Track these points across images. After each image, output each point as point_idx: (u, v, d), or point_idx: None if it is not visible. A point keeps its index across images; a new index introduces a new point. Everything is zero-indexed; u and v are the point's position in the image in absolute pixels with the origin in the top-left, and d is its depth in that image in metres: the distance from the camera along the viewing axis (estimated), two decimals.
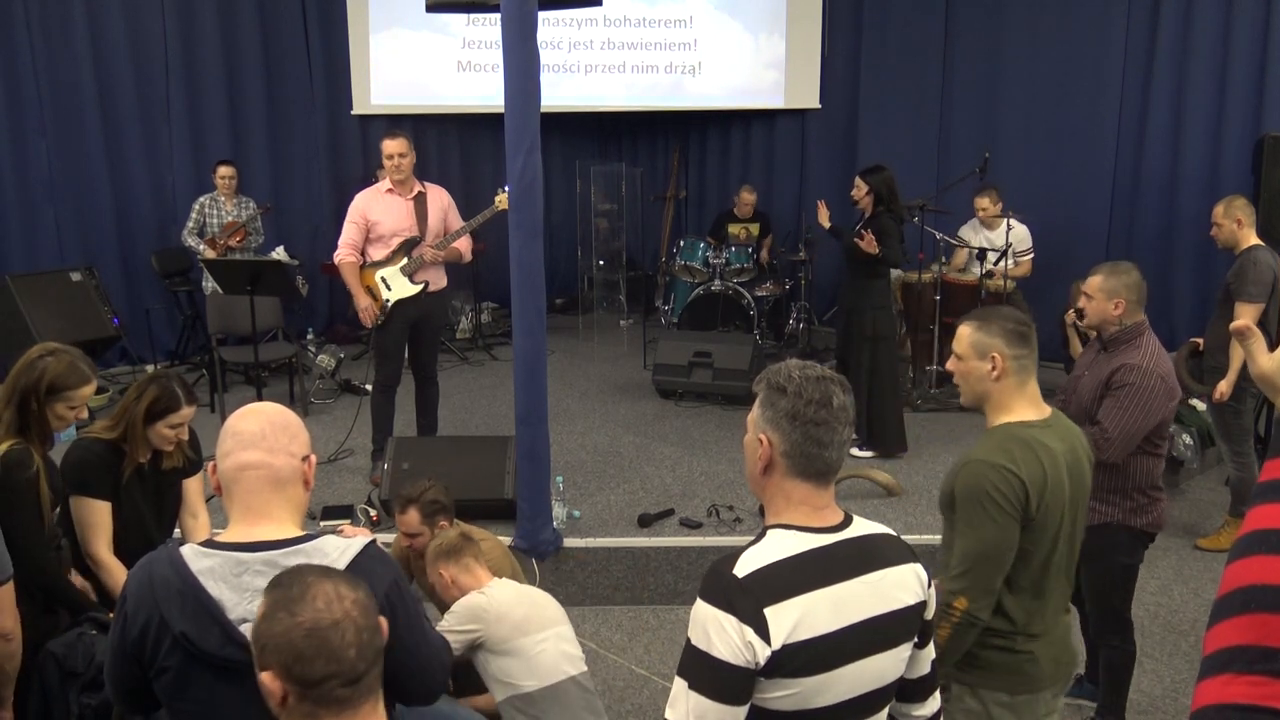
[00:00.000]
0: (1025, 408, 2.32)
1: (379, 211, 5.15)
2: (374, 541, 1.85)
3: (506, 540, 4.39)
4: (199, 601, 1.69)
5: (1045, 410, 2.35)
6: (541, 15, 4.11)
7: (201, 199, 7.13)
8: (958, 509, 2.27)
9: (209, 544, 1.77)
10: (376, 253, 5.17)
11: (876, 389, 5.55)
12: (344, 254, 5.15)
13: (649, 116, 9.57)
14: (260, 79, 8.15)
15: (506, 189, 5.28)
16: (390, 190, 5.18)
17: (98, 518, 2.98)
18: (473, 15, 8.25)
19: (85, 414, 2.91)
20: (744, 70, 8.92)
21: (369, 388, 6.96)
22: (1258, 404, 4.91)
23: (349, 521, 4.77)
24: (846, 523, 1.71)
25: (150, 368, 6.97)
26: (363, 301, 5.11)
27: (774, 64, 8.87)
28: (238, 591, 1.70)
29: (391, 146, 5.11)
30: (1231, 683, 0.96)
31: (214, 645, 1.69)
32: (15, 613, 2.45)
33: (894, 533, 1.78)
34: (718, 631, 1.54)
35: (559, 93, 8.17)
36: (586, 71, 8.86)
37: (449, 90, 8.72)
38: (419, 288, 5.17)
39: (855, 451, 5.69)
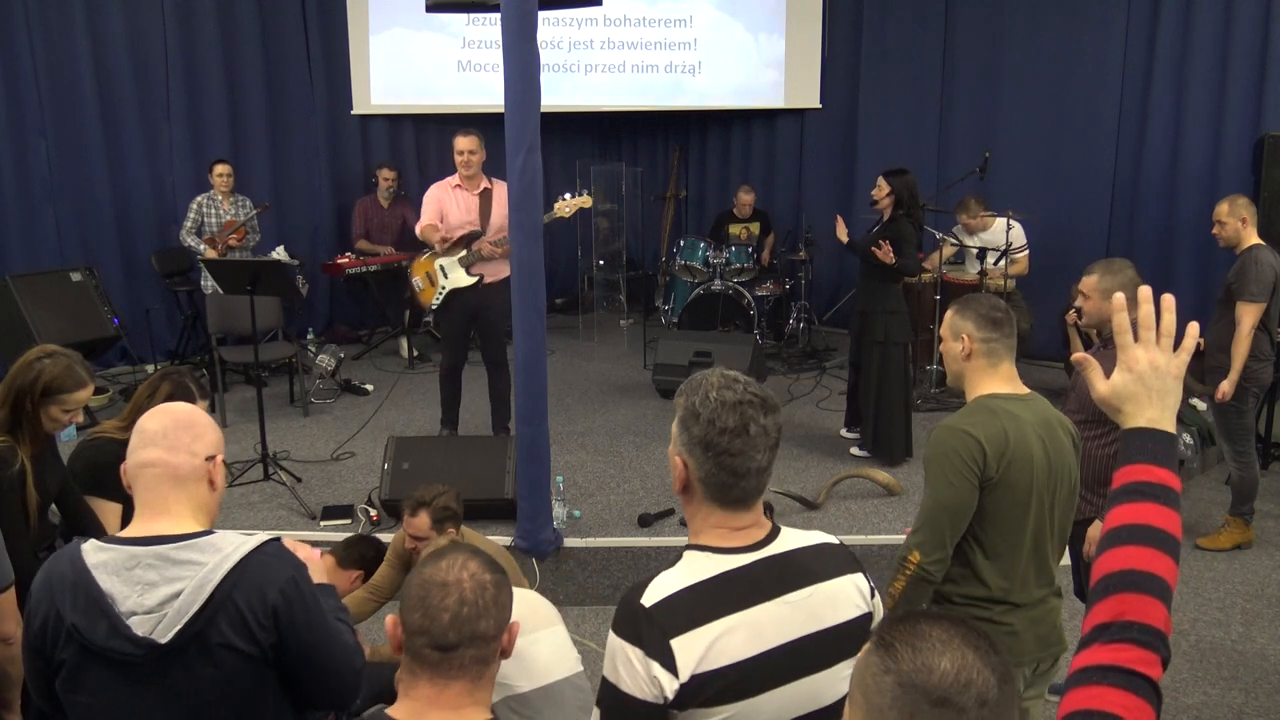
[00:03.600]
0: (998, 383, 2.43)
1: (447, 204, 5.50)
2: (278, 540, 1.85)
3: (506, 540, 4.40)
4: (89, 594, 1.71)
5: (1022, 389, 2.45)
6: (541, 15, 4.11)
7: (199, 198, 7.13)
8: (925, 470, 2.41)
9: (109, 539, 1.79)
10: (442, 242, 5.47)
11: (885, 393, 5.53)
12: (424, 223, 5.52)
13: (649, 116, 9.57)
14: (260, 79, 8.15)
15: (567, 196, 5.60)
16: (458, 185, 5.46)
17: (106, 519, 2.98)
18: (473, 15, 8.25)
19: (80, 418, 2.90)
20: (744, 70, 8.92)
21: (369, 388, 7.00)
22: (1259, 403, 4.91)
23: (349, 521, 4.77)
24: (771, 538, 1.64)
25: (150, 368, 6.97)
26: (435, 236, 5.42)
27: (774, 64, 8.87)
28: (129, 585, 1.71)
29: (464, 143, 5.34)
30: (1097, 651, 1.18)
31: (101, 637, 1.70)
32: (18, 617, 2.45)
33: (833, 541, 1.71)
34: (625, 665, 1.52)
35: (559, 93, 8.17)
36: (586, 71, 8.86)
37: (449, 90, 8.72)
38: (474, 280, 5.44)
39: (855, 451, 5.69)
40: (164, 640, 1.68)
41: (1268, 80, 6.75)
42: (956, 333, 2.44)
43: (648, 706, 1.51)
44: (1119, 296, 1.33)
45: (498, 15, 4.12)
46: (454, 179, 5.47)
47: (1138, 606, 1.18)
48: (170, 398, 2.99)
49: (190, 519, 1.81)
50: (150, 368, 6.99)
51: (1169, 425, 1.31)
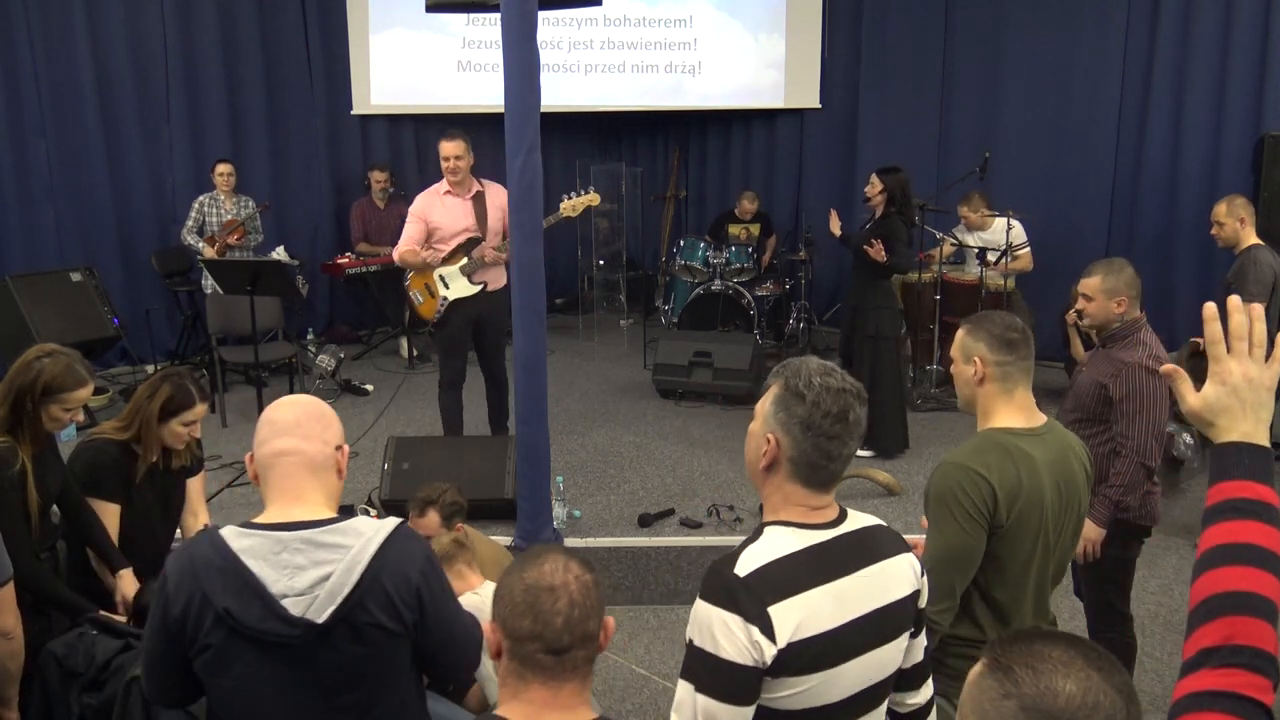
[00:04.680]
0: (1012, 414, 2.27)
1: (439, 214, 5.16)
2: (405, 521, 1.92)
3: (506, 540, 4.40)
4: (241, 578, 1.75)
5: (1037, 419, 2.29)
6: (541, 15, 4.11)
7: (201, 198, 7.14)
8: (928, 510, 2.25)
9: (247, 525, 1.82)
10: (438, 252, 5.20)
11: (878, 388, 5.55)
12: (402, 248, 5.18)
13: (649, 116, 9.57)
14: (260, 79, 8.15)
15: (571, 195, 5.31)
16: (449, 192, 5.18)
17: (105, 520, 2.98)
18: (473, 15, 8.25)
19: (80, 416, 2.90)
20: (744, 70, 8.92)
21: (369, 388, 7.00)
22: None
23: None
24: (842, 517, 1.72)
25: (150, 368, 6.97)
26: (416, 257, 5.13)
27: (774, 64, 8.87)
28: (277, 568, 1.76)
29: (448, 148, 5.08)
30: (1205, 676, 1.14)
31: (255, 619, 1.74)
32: (16, 612, 2.45)
33: (885, 523, 1.79)
34: (724, 632, 1.53)
35: (559, 93, 8.17)
36: (586, 71, 8.86)
37: (449, 90, 8.72)
38: (478, 288, 5.19)
39: (856, 451, 5.69)
40: (320, 620, 1.74)
41: (1268, 80, 6.76)
42: (968, 355, 2.29)
43: (749, 671, 1.53)
44: (1210, 306, 1.28)
45: (498, 15, 4.12)
46: (443, 185, 5.20)
47: (1246, 630, 1.14)
48: (170, 399, 3.00)
49: (324, 505, 1.87)
50: (150, 368, 6.99)
51: (1264, 439, 1.26)
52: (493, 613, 1.52)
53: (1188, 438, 5.39)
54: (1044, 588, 2.32)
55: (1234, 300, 1.27)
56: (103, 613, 2.74)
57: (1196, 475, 5.52)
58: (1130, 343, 3.14)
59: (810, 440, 1.63)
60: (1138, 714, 1.04)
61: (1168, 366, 1.35)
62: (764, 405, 1.69)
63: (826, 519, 1.69)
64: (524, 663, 1.48)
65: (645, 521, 4.78)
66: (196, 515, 3.30)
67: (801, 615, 1.56)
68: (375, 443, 5.65)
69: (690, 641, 1.58)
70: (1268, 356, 1.27)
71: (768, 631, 1.53)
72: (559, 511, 4.67)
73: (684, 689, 1.56)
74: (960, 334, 2.34)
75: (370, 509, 4.79)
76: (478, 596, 2.95)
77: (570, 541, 4.56)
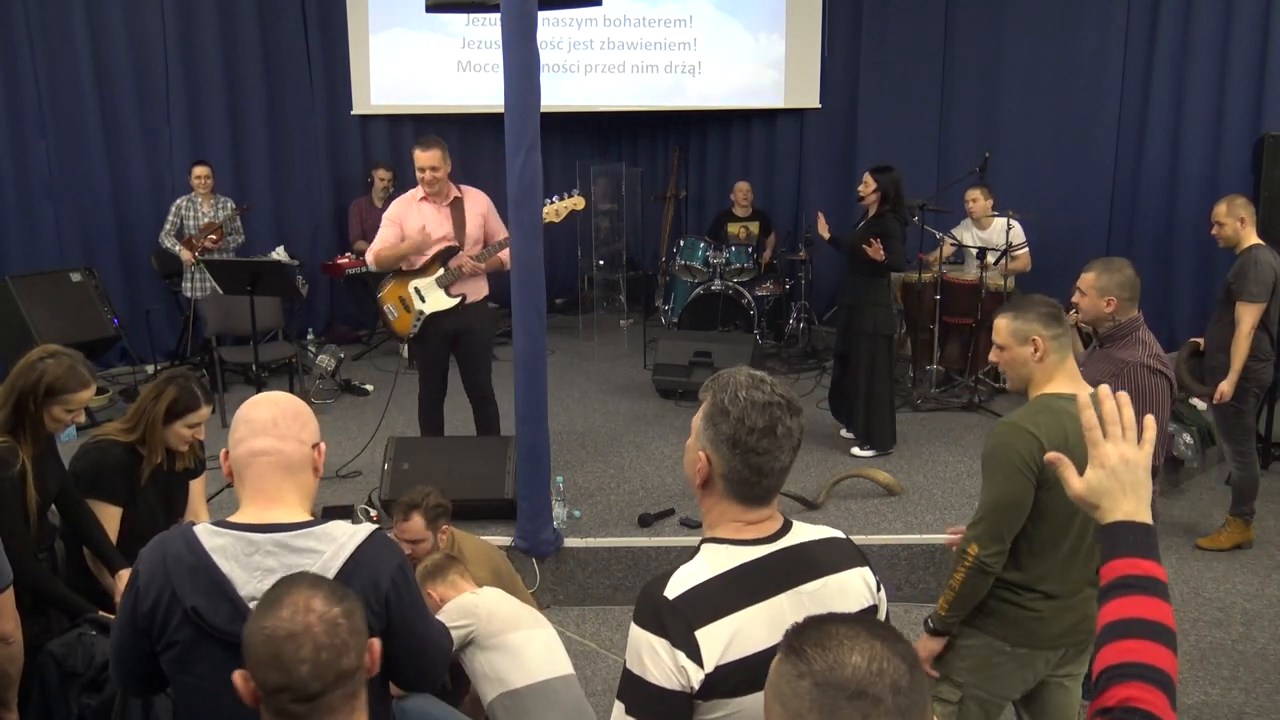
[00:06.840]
0: (1063, 381, 2.50)
1: (413, 221, 4.87)
2: (380, 528, 1.90)
3: (506, 540, 4.40)
4: (210, 578, 1.74)
5: (1084, 387, 2.47)
6: (541, 15, 4.11)
7: (179, 200, 7.13)
8: (983, 466, 2.49)
9: (221, 524, 1.81)
10: (412, 263, 4.92)
11: (874, 384, 5.56)
12: (377, 247, 4.91)
13: (649, 116, 9.57)
14: (260, 79, 8.15)
15: (554, 199, 4.96)
16: (424, 198, 4.89)
17: (106, 522, 2.98)
18: (473, 15, 8.25)
19: (82, 418, 2.91)
20: (744, 70, 8.92)
21: (369, 388, 7.00)
22: (1259, 403, 4.91)
23: (349, 521, 4.76)
24: (784, 530, 1.67)
25: (150, 368, 6.98)
26: (395, 249, 4.81)
27: (774, 64, 8.87)
28: (247, 570, 1.75)
29: (424, 159, 4.76)
30: None
31: (223, 620, 1.73)
32: (15, 617, 2.46)
33: (841, 535, 1.75)
34: (651, 656, 1.53)
35: (559, 93, 8.17)
36: (586, 71, 8.86)
37: (449, 90, 8.72)
38: (455, 300, 4.90)
39: (856, 451, 5.69)
40: None
41: (1268, 80, 6.76)
42: (1025, 337, 2.50)
43: (675, 695, 1.52)
44: (1082, 396, 1.39)
45: (498, 15, 4.12)
46: (417, 192, 4.90)
47: (1143, 695, 1.22)
48: (176, 401, 3.00)
49: (299, 506, 1.86)
50: (150, 368, 6.99)
51: (1146, 516, 1.35)
52: (243, 657, 1.46)
53: (1188, 438, 5.40)
54: (1089, 543, 2.48)
55: (1103, 389, 1.39)
56: (102, 613, 2.74)
57: (1196, 476, 5.52)
58: (1129, 342, 3.15)
59: (739, 457, 1.59)
60: (922, 677, 1.09)
61: (1051, 455, 1.46)
62: (697, 420, 1.66)
63: (764, 533, 1.64)
64: (278, 714, 1.44)
65: (645, 521, 4.78)
66: (197, 516, 3.31)
67: (730, 637, 1.54)
68: (375, 443, 5.64)
69: (624, 663, 1.58)
70: (1138, 439, 1.37)
71: (694, 656, 1.51)
72: (559, 511, 4.67)
73: (617, 709, 1.57)
74: (1007, 320, 2.54)
75: (370, 509, 4.79)
76: (474, 595, 2.98)
77: (570, 541, 4.56)
